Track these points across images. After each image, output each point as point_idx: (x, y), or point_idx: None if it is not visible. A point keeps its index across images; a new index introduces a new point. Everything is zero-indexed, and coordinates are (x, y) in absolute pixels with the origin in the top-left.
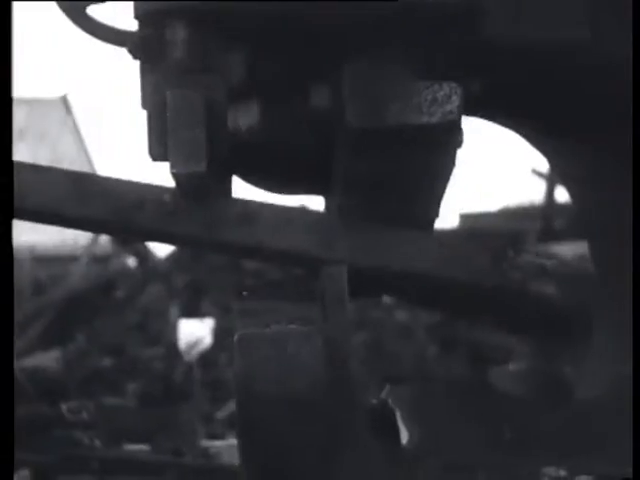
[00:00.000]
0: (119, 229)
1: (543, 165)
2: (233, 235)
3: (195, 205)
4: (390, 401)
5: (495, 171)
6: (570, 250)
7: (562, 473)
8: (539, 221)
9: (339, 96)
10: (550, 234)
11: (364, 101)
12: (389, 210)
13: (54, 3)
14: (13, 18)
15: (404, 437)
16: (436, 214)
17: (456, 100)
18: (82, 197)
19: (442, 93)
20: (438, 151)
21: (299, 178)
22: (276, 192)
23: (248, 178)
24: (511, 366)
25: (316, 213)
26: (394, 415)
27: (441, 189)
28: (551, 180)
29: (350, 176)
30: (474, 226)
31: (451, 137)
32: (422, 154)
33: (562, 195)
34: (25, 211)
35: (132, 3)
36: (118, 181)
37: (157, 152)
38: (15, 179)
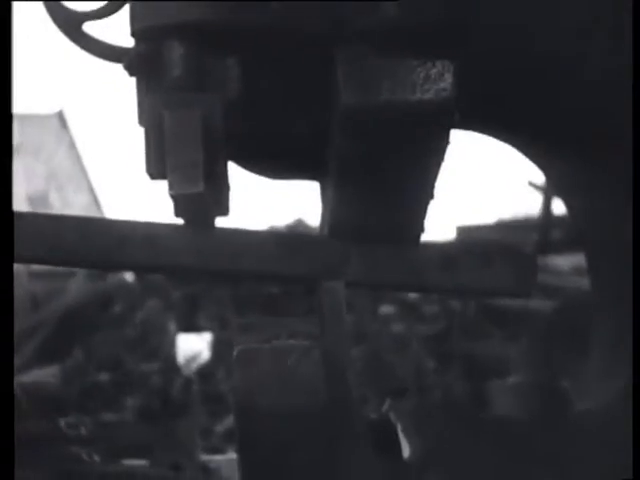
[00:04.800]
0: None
1: (539, 177)
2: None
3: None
4: (391, 415)
5: (491, 183)
6: (567, 262)
7: None
8: (536, 233)
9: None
10: (547, 246)
11: (357, 80)
12: (384, 191)
13: (49, 19)
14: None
15: (406, 451)
16: (431, 196)
17: (449, 77)
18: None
19: (435, 70)
20: (432, 130)
21: (295, 164)
22: (272, 178)
23: (242, 164)
24: (510, 380)
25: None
26: (395, 429)
27: (435, 170)
28: (547, 192)
29: (344, 158)
30: (471, 238)
31: (444, 116)
32: (416, 132)
33: (559, 207)
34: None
35: (128, 19)
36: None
37: (155, 171)
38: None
